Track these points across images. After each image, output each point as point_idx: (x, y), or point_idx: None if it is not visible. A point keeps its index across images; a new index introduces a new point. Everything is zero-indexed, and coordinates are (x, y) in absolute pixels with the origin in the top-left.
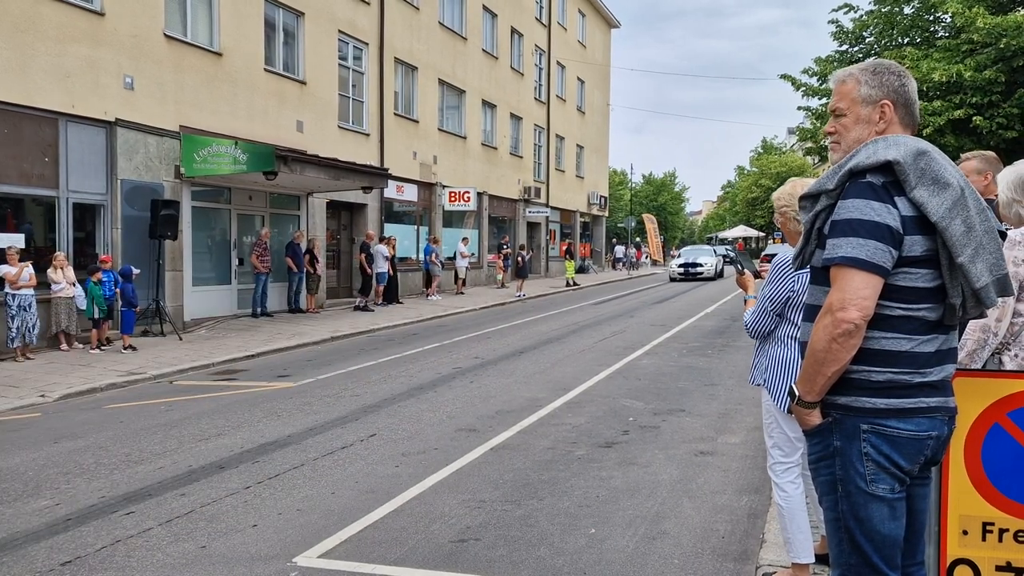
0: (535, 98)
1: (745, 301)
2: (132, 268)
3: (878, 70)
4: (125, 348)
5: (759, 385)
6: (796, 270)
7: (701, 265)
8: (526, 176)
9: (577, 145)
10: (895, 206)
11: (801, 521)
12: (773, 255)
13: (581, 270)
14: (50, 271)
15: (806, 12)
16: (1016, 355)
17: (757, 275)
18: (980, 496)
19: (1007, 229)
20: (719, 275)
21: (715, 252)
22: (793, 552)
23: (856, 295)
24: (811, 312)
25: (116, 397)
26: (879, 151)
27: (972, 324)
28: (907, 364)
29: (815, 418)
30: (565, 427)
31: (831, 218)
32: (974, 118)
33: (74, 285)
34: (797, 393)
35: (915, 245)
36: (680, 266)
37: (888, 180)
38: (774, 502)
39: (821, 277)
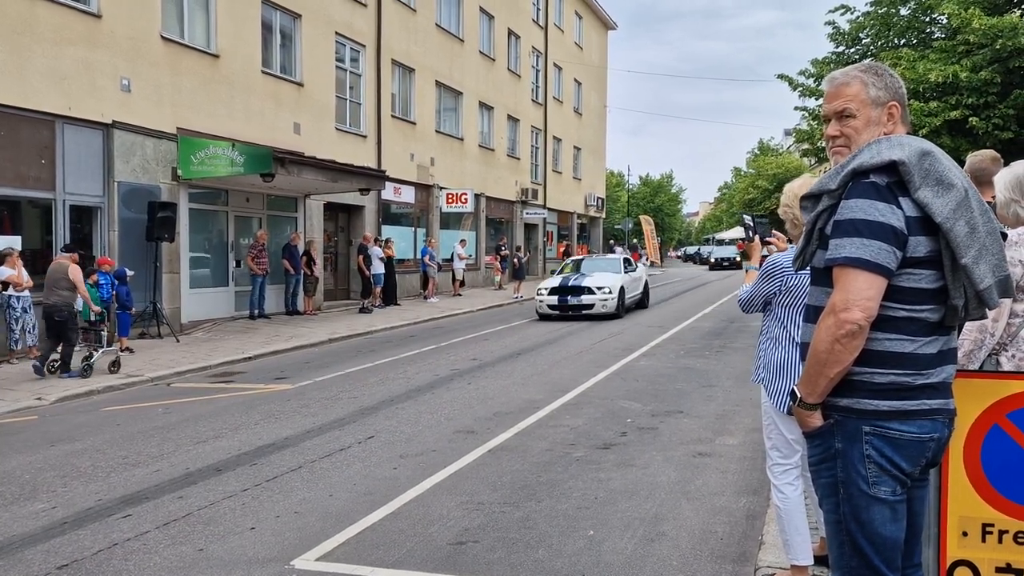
0: (532, 100)
1: (747, 272)
2: (127, 270)
3: (880, 72)
4: (122, 350)
5: (759, 383)
6: (797, 270)
7: (592, 292)
8: (523, 178)
9: (574, 147)
10: (899, 207)
11: (799, 523)
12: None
13: None
14: None
15: (802, 14)
16: (1013, 355)
17: (765, 243)
18: (980, 497)
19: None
20: (640, 304)
21: (626, 268)
22: (792, 554)
23: (860, 296)
24: (812, 313)
25: (113, 400)
26: (883, 151)
27: (969, 325)
28: (910, 366)
29: (816, 420)
30: (563, 429)
31: (834, 218)
32: (970, 119)
33: None
34: (799, 395)
35: (919, 246)
36: (553, 292)
37: (892, 180)
38: (772, 503)
39: (823, 278)
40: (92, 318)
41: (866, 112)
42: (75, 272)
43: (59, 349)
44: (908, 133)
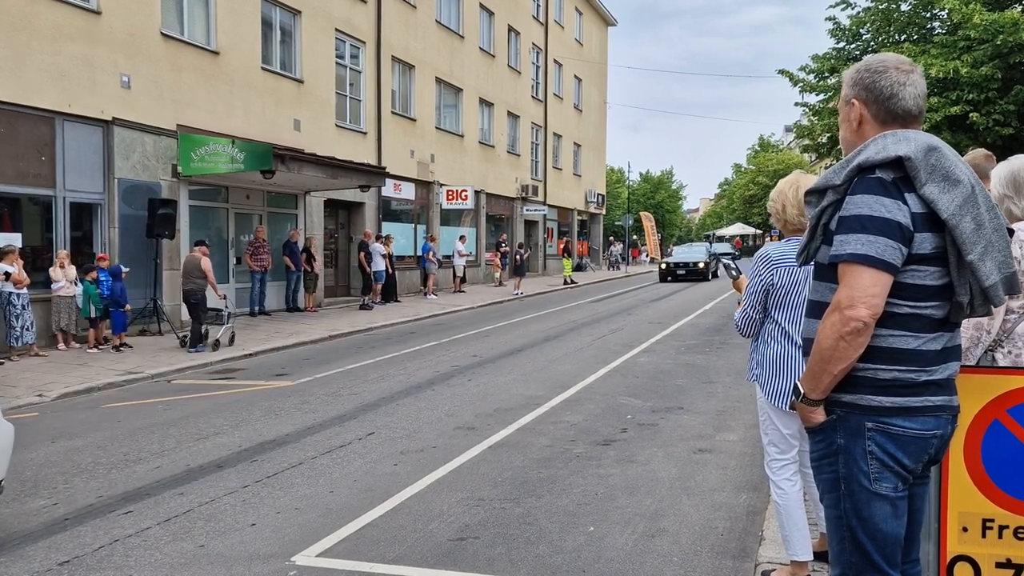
0: (532, 96)
1: (739, 303)
2: (121, 267)
3: (859, 68)
4: (114, 347)
5: (754, 381)
6: (800, 266)
7: None
8: (523, 174)
9: (574, 143)
10: (905, 202)
11: (798, 519)
12: None
13: (579, 268)
14: (52, 269)
15: (802, 10)
16: (1009, 352)
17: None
18: (980, 493)
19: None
20: None
21: None
22: (791, 550)
23: (865, 293)
24: (816, 309)
25: (114, 396)
26: (888, 146)
27: (965, 322)
28: (913, 362)
29: (819, 416)
30: (563, 425)
31: (838, 214)
32: (971, 115)
33: (75, 284)
34: (802, 390)
35: (924, 242)
36: None
37: (898, 176)
38: (771, 500)
39: (827, 274)
40: (93, 314)
41: (842, 111)
42: (206, 263)
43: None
44: (901, 127)
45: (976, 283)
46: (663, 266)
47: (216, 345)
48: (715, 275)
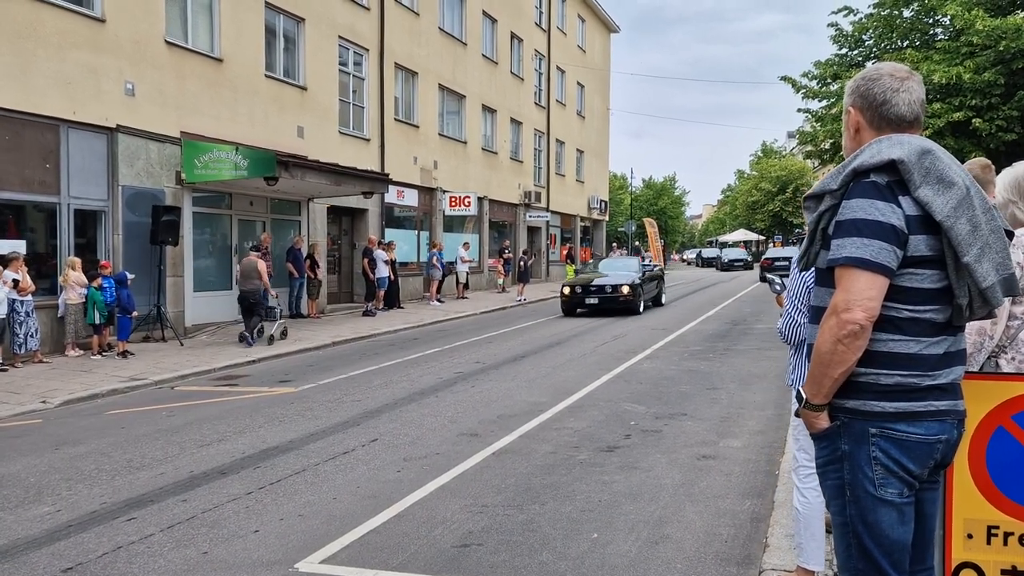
0: (535, 103)
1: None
2: (127, 274)
3: (857, 77)
4: (119, 354)
5: (791, 385)
6: (801, 271)
7: None
8: (526, 181)
9: (577, 149)
10: (899, 206)
11: (816, 529)
12: (774, 258)
13: None
14: (75, 275)
15: (806, 17)
16: (1013, 358)
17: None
18: (985, 499)
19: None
20: None
21: None
22: (803, 557)
23: (861, 296)
24: (816, 314)
25: (117, 403)
26: (883, 150)
27: (968, 327)
28: (916, 367)
29: (823, 421)
30: (567, 431)
31: (835, 218)
32: (974, 120)
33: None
34: (804, 396)
35: (920, 245)
36: None
37: (892, 179)
38: (792, 505)
39: (826, 278)
40: (97, 320)
41: (845, 120)
42: (262, 265)
43: (251, 323)
44: (896, 132)
45: (974, 285)
46: (566, 291)
47: (271, 340)
48: (655, 303)
